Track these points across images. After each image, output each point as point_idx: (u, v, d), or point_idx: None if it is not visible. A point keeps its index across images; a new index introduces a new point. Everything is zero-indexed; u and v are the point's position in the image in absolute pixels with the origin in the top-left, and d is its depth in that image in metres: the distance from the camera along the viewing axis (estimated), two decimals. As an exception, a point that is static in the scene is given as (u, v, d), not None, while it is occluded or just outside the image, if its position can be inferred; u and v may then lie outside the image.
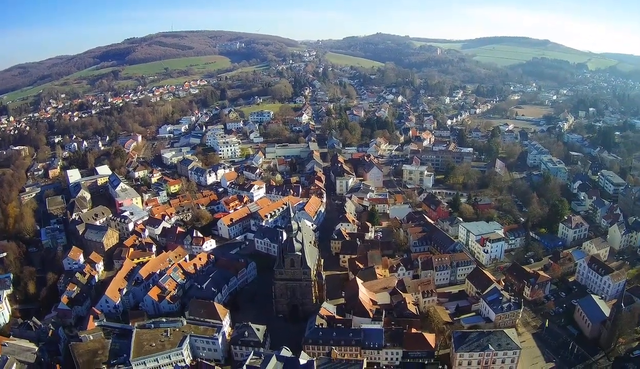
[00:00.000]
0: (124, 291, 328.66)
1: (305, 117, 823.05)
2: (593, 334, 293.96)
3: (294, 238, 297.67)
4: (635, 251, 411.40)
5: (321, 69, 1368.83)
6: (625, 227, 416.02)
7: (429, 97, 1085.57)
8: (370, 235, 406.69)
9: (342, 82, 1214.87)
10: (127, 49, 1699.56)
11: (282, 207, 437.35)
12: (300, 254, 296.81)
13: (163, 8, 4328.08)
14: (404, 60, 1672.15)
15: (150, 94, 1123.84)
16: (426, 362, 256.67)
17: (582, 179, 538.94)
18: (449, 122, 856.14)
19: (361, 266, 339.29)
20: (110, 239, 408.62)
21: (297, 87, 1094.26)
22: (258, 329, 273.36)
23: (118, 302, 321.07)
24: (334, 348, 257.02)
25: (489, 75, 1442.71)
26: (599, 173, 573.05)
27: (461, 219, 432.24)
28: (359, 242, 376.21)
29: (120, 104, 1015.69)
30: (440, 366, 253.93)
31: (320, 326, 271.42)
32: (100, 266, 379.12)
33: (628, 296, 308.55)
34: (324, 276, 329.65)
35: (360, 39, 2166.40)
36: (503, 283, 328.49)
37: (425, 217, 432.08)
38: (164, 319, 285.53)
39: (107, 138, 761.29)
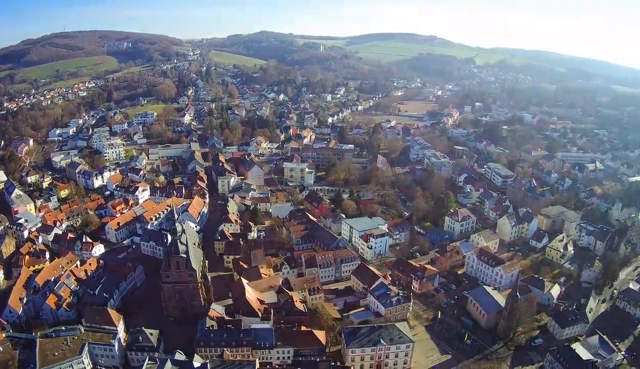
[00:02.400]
0: (25, 300, 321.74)
1: (187, 118, 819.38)
2: (489, 324, 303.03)
3: (178, 240, 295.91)
4: (527, 241, 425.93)
5: (204, 68, 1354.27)
6: (516, 219, 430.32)
7: (311, 95, 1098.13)
8: (253, 235, 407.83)
9: (224, 81, 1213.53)
10: (23, 51, 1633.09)
11: (167, 209, 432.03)
12: (185, 256, 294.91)
13: (51, 7, 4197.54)
14: (287, 58, 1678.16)
15: (42, 98, 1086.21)
16: (318, 359, 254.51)
17: (468, 173, 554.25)
18: (330, 119, 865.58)
19: (245, 266, 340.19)
20: (8, 247, 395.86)
21: (180, 87, 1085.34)
22: (151, 334, 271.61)
23: (20, 311, 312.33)
24: (225, 349, 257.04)
25: (373, 71, 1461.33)
26: (485, 166, 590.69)
27: (344, 216, 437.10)
28: (242, 243, 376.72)
29: (15, 109, 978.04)
30: (332, 363, 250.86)
31: (210, 328, 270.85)
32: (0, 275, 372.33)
33: (523, 286, 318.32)
34: (209, 278, 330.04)
35: (244, 37, 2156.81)
36: (389, 278, 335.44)
37: (308, 214, 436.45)
38: (63, 328, 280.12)
39: (2, 143, 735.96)
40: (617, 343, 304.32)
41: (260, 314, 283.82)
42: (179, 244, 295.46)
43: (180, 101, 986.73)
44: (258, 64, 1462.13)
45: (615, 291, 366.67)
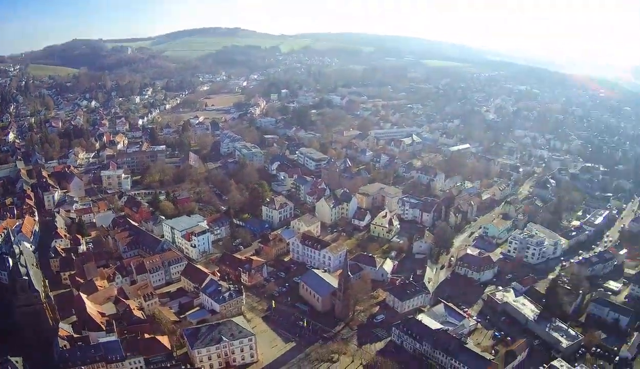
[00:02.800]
0: None
1: (11, 136, 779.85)
2: (325, 307, 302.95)
3: (18, 263, 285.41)
4: (349, 221, 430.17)
5: (23, 82, 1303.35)
6: (334, 200, 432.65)
7: (121, 99, 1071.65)
8: (82, 247, 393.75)
9: (41, 93, 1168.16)
10: None
11: (4, 233, 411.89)
12: (27, 278, 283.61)
13: None
14: (97, 63, 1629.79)
15: None
16: (169, 365, 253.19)
17: (280, 160, 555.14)
18: (140, 121, 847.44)
19: (81, 280, 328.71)
20: None
21: (3, 105, 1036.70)
22: (17, 362, 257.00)
23: None
24: (83, 367, 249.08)
25: (179, 69, 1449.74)
26: (297, 152, 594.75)
27: (163, 217, 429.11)
28: (74, 257, 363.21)
29: None
30: (183, 367, 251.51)
31: (64, 348, 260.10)
32: None
33: (354, 265, 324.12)
34: (52, 297, 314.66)
35: (58, 47, 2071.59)
36: (218, 274, 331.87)
37: (130, 220, 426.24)
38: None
39: None
40: (466, 309, 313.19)
41: (104, 328, 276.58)
42: (19, 266, 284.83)
43: (4, 119, 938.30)
44: (71, 72, 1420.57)
45: (452, 258, 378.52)
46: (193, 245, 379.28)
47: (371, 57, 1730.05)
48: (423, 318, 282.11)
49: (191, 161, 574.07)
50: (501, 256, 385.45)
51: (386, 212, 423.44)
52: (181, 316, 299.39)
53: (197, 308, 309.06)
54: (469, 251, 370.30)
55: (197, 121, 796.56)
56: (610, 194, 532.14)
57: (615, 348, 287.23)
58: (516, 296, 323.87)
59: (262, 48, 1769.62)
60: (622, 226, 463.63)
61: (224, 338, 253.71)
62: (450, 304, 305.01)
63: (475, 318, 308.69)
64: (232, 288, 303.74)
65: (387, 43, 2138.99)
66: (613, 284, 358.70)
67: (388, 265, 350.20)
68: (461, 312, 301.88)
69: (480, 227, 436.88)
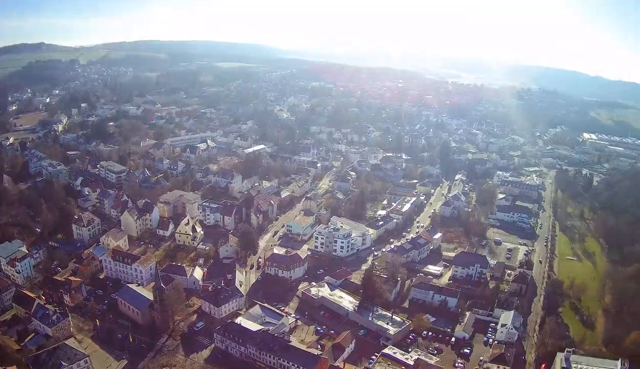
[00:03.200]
0: None
1: None
2: (146, 320, 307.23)
3: None
4: (154, 232, 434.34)
5: None
6: (137, 212, 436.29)
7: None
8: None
9: None
10: None
11: None
12: None
13: None
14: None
15: None
16: None
17: (83, 175, 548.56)
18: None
19: None
20: None
21: None
22: None
23: None
24: None
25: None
26: (98, 166, 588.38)
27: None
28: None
29: None
30: None
31: None
32: None
33: (165, 276, 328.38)
34: None
35: None
36: (44, 297, 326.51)
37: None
38: None
39: None
40: (283, 308, 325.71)
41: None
42: None
43: None
44: None
45: (260, 259, 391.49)
46: (18, 271, 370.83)
47: (165, 64, 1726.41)
48: (242, 321, 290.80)
49: (5, 184, 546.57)
50: (309, 253, 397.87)
51: (188, 220, 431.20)
52: (22, 344, 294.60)
53: (33, 334, 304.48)
54: (275, 251, 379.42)
55: (8, 143, 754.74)
56: (416, 181, 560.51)
57: (449, 330, 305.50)
58: (332, 290, 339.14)
59: (63, 61, 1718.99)
60: (433, 210, 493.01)
61: (63, 363, 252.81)
62: (266, 305, 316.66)
63: (293, 315, 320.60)
64: (57, 311, 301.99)
65: (180, 49, 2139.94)
66: (433, 268, 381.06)
67: (198, 273, 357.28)
68: (278, 311, 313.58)
69: (284, 226, 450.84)
